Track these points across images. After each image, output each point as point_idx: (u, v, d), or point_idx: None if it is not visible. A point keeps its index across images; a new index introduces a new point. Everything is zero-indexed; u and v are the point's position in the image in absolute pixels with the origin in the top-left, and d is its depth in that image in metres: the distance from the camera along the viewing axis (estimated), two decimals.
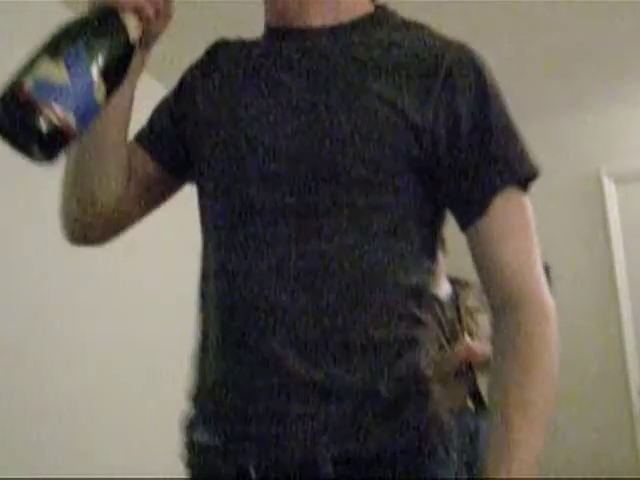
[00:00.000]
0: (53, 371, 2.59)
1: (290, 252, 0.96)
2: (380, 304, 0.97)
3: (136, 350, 3.03)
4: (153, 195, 1.14)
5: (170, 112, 1.14)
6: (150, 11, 0.97)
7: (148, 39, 1.03)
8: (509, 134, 1.02)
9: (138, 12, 0.95)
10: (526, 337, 0.96)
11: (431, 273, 1.06)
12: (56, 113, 0.83)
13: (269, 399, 0.96)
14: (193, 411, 1.04)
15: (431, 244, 1.06)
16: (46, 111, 0.83)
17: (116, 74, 0.91)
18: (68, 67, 0.86)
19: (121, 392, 2.90)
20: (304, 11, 1.05)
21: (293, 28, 1.05)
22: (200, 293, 1.06)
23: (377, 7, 1.09)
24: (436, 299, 3.01)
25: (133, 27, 0.95)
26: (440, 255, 1.10)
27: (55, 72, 0.85)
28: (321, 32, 1.03)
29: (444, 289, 3.15)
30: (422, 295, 1.03)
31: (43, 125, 0.83)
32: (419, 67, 0.99)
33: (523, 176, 1.02)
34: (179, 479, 1.10)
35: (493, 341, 1.00)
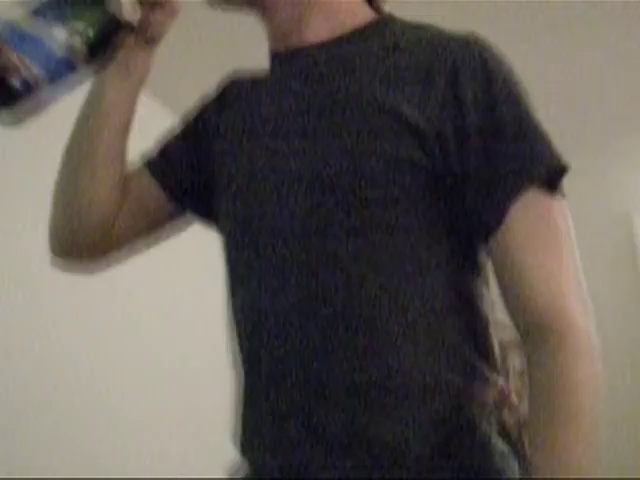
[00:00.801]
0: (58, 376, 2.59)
1: (308, 286, 0.89)
2: (409, 342, 0.87)
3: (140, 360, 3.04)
4: (151, 222, 1.11)
5: (184, 145, 1.11)
6: None
7: (149, 31, 1.00)
8: (524, 127, 0.89)
9: None
10: (559, 380, 0.81)
11: (479, 315, 0.92)
12: (19, 57, 0.81)
13: (292, 452, 0.89)
14: (239, 460, 0.99)
15: (469, 279, 0.92)
16: (7, 52, 0.81)
17: (93, 41, 0.89)
18: (37, 16, 0.85)
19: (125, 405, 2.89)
20: (300, 30, 1.00)
21: (292, 49, 1.01)
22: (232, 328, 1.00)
23: (380, 16, 1.03)
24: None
25: (124, 2, 0.92)
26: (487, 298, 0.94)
27: (24, 18, 0.84)
28: (319, 48, 0.99)
29: None
30: (472, 337, 0.90)
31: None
32: (420, 66, 0.91)
33: (545, 174, 0.88)
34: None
35: (527, 382, 0.85)
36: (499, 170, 0.87)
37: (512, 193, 0.87)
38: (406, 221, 0.89)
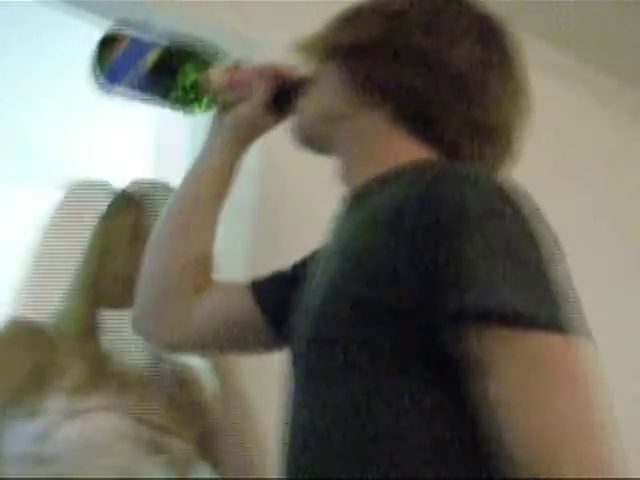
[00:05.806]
0: None
1: (306, 416, 0.88)
2: None
3: None
4: (237, 334, 1.17)
5: (288, 280, 1.13)
6: (223, 82, 1.11)
7: (233, 120, 1.14)
8: (471, 265, 0.76)
9: (227, 73, 1.11)
10: None
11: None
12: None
13: None
14: None
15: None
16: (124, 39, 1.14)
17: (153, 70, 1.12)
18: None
19: None
20: (350, 172, 1.01)
21: (346, 192, 1.01)
22: None
23: (417, 159, 0.96)
24: None
25: (209, 77, 1.11)
26: None
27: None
28: (352, 195, 0.99)
29: None
30: None
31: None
32: (380, 215, 0.86)
33: (510, 312, 0.73)
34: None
35: None
36: (441, 310, 0.77)
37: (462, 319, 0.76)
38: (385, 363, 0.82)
